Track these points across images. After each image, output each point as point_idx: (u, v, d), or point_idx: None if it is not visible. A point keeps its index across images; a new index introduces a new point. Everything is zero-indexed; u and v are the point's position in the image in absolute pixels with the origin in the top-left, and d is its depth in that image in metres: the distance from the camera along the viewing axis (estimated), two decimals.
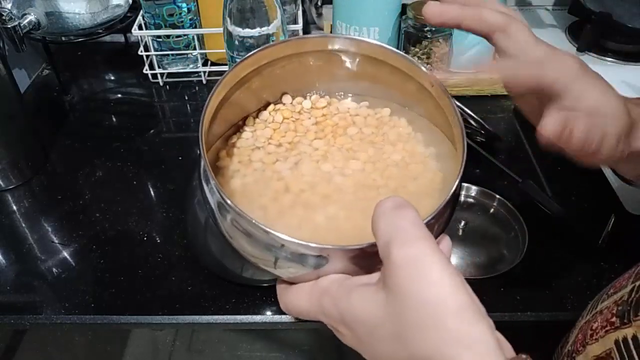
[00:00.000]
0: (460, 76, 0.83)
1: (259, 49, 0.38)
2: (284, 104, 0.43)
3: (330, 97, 0.44)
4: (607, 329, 0.35)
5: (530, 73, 0.36)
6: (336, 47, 0.40)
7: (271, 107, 0.43)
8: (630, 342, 0.33)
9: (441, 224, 0.33)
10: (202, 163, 0.34)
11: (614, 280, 0.41)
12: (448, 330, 0.24)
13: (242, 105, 0.42)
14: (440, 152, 0.39)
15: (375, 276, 0.28)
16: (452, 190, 0.32)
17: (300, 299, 0.32)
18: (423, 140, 0.41)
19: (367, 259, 0.29)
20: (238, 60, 0.70)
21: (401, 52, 0.38)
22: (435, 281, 0.25)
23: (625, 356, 0.33)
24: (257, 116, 0.43)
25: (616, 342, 0.34)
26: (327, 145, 0.40)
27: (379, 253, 0.27)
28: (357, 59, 0.40)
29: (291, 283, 0.33)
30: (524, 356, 0.26)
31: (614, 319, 0.35)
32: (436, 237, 0.32)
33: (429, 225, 0.30)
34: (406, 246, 0.26)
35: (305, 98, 0.43)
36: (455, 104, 0.36)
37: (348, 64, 0.41)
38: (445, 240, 0.32)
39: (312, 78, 0.42)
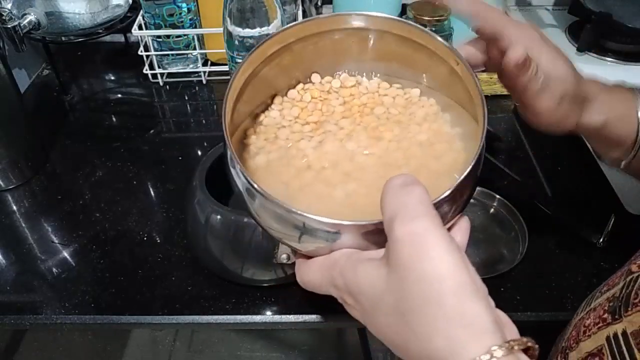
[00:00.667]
0: None
1: (287, 26, 0.37)
2: (312, 83, 0.43)
3: (360, 76, 0.43)
4: (599, 325, 0.36)
5: (498, 18, 0.42)
6: (362, 24, 0.39)
7: (300, 86, 0.43)
8: (620, 337, 0.33)
9: (457, 204, 0.32)
10: (228, 149, 0.34)
11: None
12: (445, 308, 0.25)
13: (270, 83, 0.41)
14: (466, 132, 0.38)
15: (382, 251, 0.29)
16: (468, 170, 0.31)
17: (314, 272, 0.33)
18: (450, 120, 0.40)
19: (378, 235, 0.29)
20: (238, 60, 0.71)
21: (425, 29, 0.38)
22: (435, 258, 0.25)
23: (615, 351, 0.33)
24: (285, 94, 0.43)
25: (607, 338, 0.34)
26: (353, 124, 0.40)
27: (385, 228, 0.27)
28: (384, 37, 0.40)
29: (308, 258, 0.34)
30: (525, 339, 0.25)
31: (605, 315, 0.36)
32: (452, 217, 0.32)
33: (440, 203, 0.30)
34: (409, 222, 0.26)
35: (334, 77, 0.43)
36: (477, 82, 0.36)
37: (376, 43, 0.41)
38: (464, 220, 0.33)
39: (341, 57, 0.42)
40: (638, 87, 0.48)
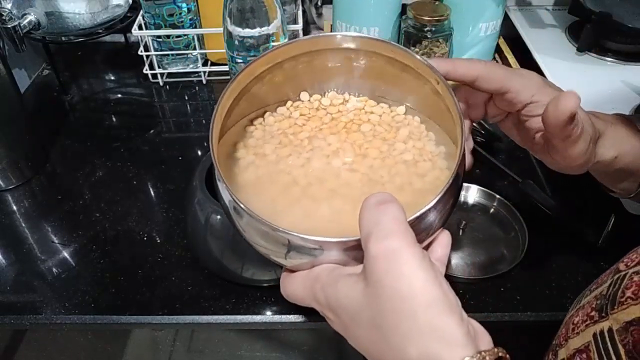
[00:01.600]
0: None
1: (276, 45, 0.39)
2: (302, 101, 0.44)
3: (347, 94, 0.45)
4: (587, 322, 0.36)
5: (502, 72, 0.40)
6: (349, 45, 0.41)
7: (289, 103, 0.44)
8: (606, 334, 0.33)
9: (435, 220, 0.33)
10: (215, 167, 0.35)
11: None
12: (418, 322, 0.26)
13: (261, 99, 0.43)
14: (450, 151, 0.40)
15: (360, 267, 0.30)
16: (444, 190, 0.32)
17: (297, 286, 0.34)
18: (435, 139, 0.41)
19: (358, 251, 0.30)
20: (238, 60, 0.71)
21: (408, 50, 0.39)
22: (408, 275, 0.27)
23: (601, 348, 0.34)
24: (275, 110, 0.44)
25: (594, 335, 0.35)
26: (340, 141, 0.41)
27: (362, 245, 0.29)
28: (371, 58, 0.42)
29: (292, 271, 0.36)
30: (496, 349, 0.26)
31: (593, 313, 0.36)
32: (433, 233, 0.33)
33: (415, 221, 0.31)
34: (382, 240, 0.27)
35: (323, 95, 0.44)
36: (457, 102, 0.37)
37: (363, 62, 0.42)
38: (444, 235, 0.34)
39: (330, 76, 0.43)
40: (632, 115, 0.49)
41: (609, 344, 0.33)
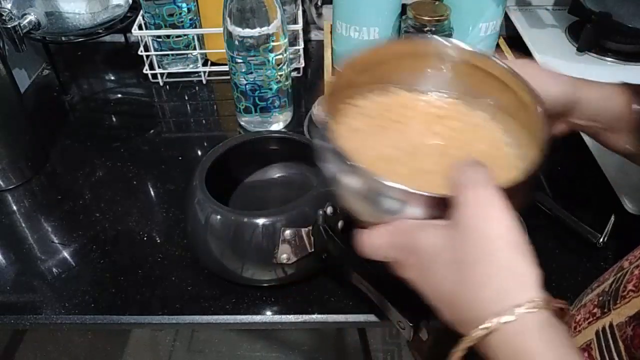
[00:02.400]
0: None
1: (392, 41, 0.45)
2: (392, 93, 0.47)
3: (438, 93, 0.47)
4: (589, 320, 0.36)
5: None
6: (450, 53, 0.45)
7: (382, 91, 0.46)
8: (607, 330, 0.33)
9: (519, 197, 0.34)
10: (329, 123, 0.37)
11: None
12: (500, 260, 0.29)
13: (359, 85, 0.45)
14: (527, 155, 0.40)
15: (443, 221, 0.32)
16: (532, 172, 0.33)
17: (378, 236, 0.35)
18: (512, 143, 0.42)
19: (442, 209, 0.32)
20: (238, 60, 0.71)
21: (504, 64, 0.42)
22: (496, 219, 0.29)
23: (603, 344, 0.34)
24: (368, 95, 0.46)
25: (596, 332, 0.35)
26: (429, 130, 0.43)
27: (452, 195, 0.31)
28: (463, 65, 0.45)
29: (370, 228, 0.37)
30: (562, 301, 0.29)
31: (595, 310, 0.36)
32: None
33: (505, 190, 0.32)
34: (473, 188, 0.30)
35: (415, 92, 0.46)
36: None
37: (455, 67, 0.46)
38: None
39: (423, 75, 0.46)
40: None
41: (610, 340, 0.33)
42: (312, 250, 0.52)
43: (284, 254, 0.51)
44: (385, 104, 0.45)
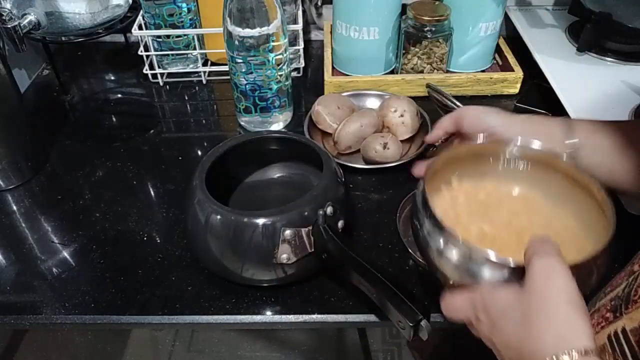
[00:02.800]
0: (461, 76, 0.84)
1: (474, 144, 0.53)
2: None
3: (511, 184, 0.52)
4: (602, 324, 0.36)
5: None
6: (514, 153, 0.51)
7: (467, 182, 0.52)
8: (620, 334, 0.33)
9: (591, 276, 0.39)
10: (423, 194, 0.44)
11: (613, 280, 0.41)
12: (559, 315, 0.34)
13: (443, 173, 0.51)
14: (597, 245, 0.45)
15: (516, 284, 0.37)
16: (590, 255, 0.38)
17: (460, 297, 0.41)
18: (585, 235, 0.47)
19: (517, 276, 0.38)
20: (238, 60, 0.71)
21: (569, 162, 0.48)
22: (560, 282, 0.35)
23: (616, 349, 0.34)
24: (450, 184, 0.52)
25: (608, 336, 0.35)
26: (510, 215, 0.49)
27: (525, 263, 0.37)
28: (534, 162, 0.50)
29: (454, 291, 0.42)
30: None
31: (608, 315, 0.36)
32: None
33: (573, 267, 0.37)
34: (545, 257, 0.36)
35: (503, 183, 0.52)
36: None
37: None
38: None
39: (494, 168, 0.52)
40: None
41: (624, 344, 0.33)
42: (312, 250, 0.52)
43: (284, 254, 0.51)
44: (475, 190, 0.51)
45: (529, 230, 0.47)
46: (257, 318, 0.55)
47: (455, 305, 0.41)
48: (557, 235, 0.44)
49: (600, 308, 0.39)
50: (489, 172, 0.52)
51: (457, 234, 0.40)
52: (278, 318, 0.55)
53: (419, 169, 0.53)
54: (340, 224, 0.54)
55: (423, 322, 0.43)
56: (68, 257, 0.62)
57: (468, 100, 0.84)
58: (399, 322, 0.44)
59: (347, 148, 0.72)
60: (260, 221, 0.51)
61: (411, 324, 0.43)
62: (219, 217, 0.52)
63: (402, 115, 0.74)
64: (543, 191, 0.51)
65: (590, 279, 0.40)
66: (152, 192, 0.70)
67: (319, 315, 0.55)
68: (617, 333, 0.34)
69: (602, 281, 0.40)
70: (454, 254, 0.40)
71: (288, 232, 0.51)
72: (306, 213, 0.51)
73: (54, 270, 0.60)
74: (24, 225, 0.66)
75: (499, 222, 0.48)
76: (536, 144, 0.50)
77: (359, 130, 0.71)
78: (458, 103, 0.66)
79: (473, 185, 0.52)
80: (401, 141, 0.73)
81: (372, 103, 0.80)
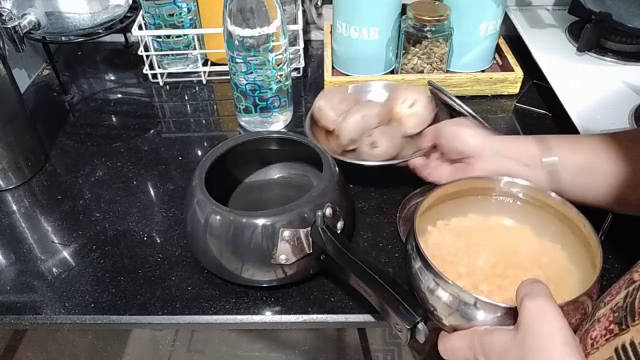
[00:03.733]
0: (461, 76, 0.84)
1: (461, 180, 0.52)
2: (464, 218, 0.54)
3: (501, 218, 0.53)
4: (607, 337, 0.36)
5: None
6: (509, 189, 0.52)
7: (456, 219, 0.53)
8: (629, 348, 0.33)
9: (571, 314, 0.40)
10: (414, 238, 0.46)
11: (613, 280, 0.41)
12: (553, 353, 0.35)
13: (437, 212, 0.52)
14: (583, 277, 0.46)
15: (511, 326, 0.39)
16: (579, 294, 0.40)
17: (456, 339, 0.42)
18: (575, 272, 0.48)
19: (510, 317, 0.39)
20: (238, 60, 0.70)
21: (558, 198, 0.49)
22: (552, 323, 0.36)
23: None
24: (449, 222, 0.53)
25: (616, 350, 0.34)
26: (495, 254, 0.49)
27: (517, 305, 0.38)
28: (527, 198, 0.52)
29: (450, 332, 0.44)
30: None
31: (612, 327, 0.35)
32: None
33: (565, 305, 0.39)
34: (536, 299, 0.37)
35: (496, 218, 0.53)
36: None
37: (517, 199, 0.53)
38: None
39: (488, 203, 0.53)
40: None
41: (633, 358, 0.32)
42: (311, 251, 0.52)
43: (283, 255, 0.51)
44: (465, 227, 0.52)
45: (520, 267, 0.48)
46: (257, 318, 0.55)
47: (453, 347, 0.42)
48: (547, 271, 0.47)
49: (600, 318, 0.38)
50: (478, 208, 0.53)
51: (447, 278, 0.41)
52: (278, 318, 0.55)
53: (415, 163, 0.58)
54: (339, 224, 0.54)
55: (420, 325, 0.43)
56: (68, 257, 0.62)
57: (468, 100, 0.84)
58: (395, 325, 0.44)
59: (350, 142, 0.67)
60: (259, 221, 0.51)
61: (408, 327, 0.42)
62: (218, 217, 0.52)
63: (412, 106, 0.67)
64: (532, 226, 0.52)
65: (582, 314, 0.41)
66: (152, 192, 0.70)
67: (319, 315, 0.55)
68: (625, 346, 0.33)
69: (593, 312, 0.42)
70: (446, 298, 0.42)
71: (287, 232, 0.51)
72: (305, 214, 0.51)
73: (54, 270, 0.60)
74: (24, 225, 0.66)
75: (489, 260, 0.48)
76: (523, 181, 0.51)
77: (362, 122, 0.66)
78: (459, 102, 0.66)
79: (462, 222, 0.53)
80: (411, 136, 0.68)
81: (380, 95, 0.75)
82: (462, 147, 0.56)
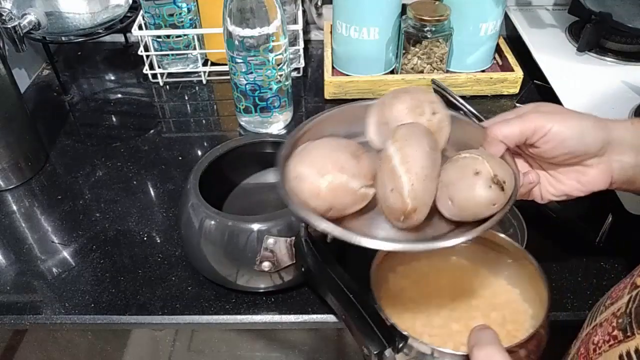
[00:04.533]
0: (460, 76, 0.83)
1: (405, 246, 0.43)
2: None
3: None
4: (610, 343, 0.35)
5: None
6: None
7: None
8: (634, 355, 0.32)
9: (531, 350, 0.42)
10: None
11: (613, 281, 0.41)
12: None
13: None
14: (535, 312, 0.48)
15: None
16: (527, 338, 0.41)
17: None
18: (525, 305, 0.49)
19: None
20: (238, 60, 0.70)
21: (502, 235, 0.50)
22: None
23: None
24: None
25: (620, 356, 0.34)
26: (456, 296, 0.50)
27: (468, 352, 0.39)
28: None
29: None
30: None
31: (615, 333, 0.35)
32: None
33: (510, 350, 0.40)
34: (483, 348, 0.38)
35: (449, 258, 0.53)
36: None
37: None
38: None
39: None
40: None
41: None
42: (294, 262, 0.51)
43: (266, 262, 0.50)
44: (424, 272, 0.52)
45: (477, 308, 0.49)
46: (257, 318, 0.55)
47: None
48: (502, 312, 0.48)
49: (602, 323, 0.38)
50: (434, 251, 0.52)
51: (403, 331, 0.42)
52: (278, 318, 0.55)
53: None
54: (330, 236, 0.53)
55: (387, 352, 0.42)
56: (68, 257, 0.62)
57: (468, 100, 0.84)
58: (364, 348, 0.44)
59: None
60: (255, 226, 0.50)
61: (375, 352, 0.42)
62: (212, 222, 0.51)
63: (435, 113, 0.45)
64: (484, 265, 0.52)
65: (535, 352, 0.42)
66: (152, 192, 0.70)
67: (319, 315, 0.55)
68: (630, 353, 0.33)
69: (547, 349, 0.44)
70: (406, 347, 0.43)
71: (270, 240, 0.50)
72: (293, 222, 0.51)
73: (54, 270, 0.60)
74: (24, 225, 0.66)
75: (446, 304, 0.49)
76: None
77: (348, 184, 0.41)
78: (462, 101, 0.66)
79: (421, 266, 0.52)
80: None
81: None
82: (579, 146, 0.42)
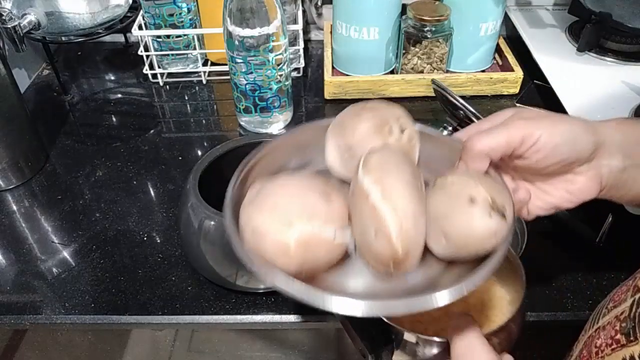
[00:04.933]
0: (460, 76, 0.83)
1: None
2: None
3: None
4: (613, 347, 0.35)
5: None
6: None
7: None
8: (638, 359, 0.32)
9: (502, 339, 0.41)
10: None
11: (614, 281, 0.41)
12: None
13: None
14: (512, 298, 0.47)
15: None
16: (504, 321, 0.41)
17: None
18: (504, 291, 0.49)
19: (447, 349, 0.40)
20: (238, 60, 0.70)
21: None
22: (478, 351, 0.37)
23: None
24: None
25: None
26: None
27: (449, 340, 0.39)
28: None
29: None
30: None
31: (618, 337, 0.35)
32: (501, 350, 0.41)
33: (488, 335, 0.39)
34: (464, 336, 0.38)
35: None
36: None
37: None
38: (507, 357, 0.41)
39: None
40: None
41: None
42: None
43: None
44: None
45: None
46: (257, 318, 0.55)
47: None
48: (482, 299, 0.48)
49: (605, 326, 0.37)
50: None
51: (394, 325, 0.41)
52: (278, 318, 0.55)
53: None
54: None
55: (384, 353, 0.43)
56: (68, 257, 0.62)
57: (468, 100, 0.84)
58: (360, 349, 0.44)
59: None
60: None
61: (371, 354, 0.42)
62: (212, 222, 0.51)
63: (404, 130, 0.39)
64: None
65: (510, 337, 0.42)
66: (152, 192, 0.70)
67: (319, 315, 0.55)
68: (633, 357, 0.33)
69: (521, 336, 0.44)
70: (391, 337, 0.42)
71: None
72: None
73: (54, 270, 0.60)
74: (24, 225, 0.66)
75: None
76: None
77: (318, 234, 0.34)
78: (462, 101, 0.66)
79: None
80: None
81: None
82: (572, 152, 0.37)
